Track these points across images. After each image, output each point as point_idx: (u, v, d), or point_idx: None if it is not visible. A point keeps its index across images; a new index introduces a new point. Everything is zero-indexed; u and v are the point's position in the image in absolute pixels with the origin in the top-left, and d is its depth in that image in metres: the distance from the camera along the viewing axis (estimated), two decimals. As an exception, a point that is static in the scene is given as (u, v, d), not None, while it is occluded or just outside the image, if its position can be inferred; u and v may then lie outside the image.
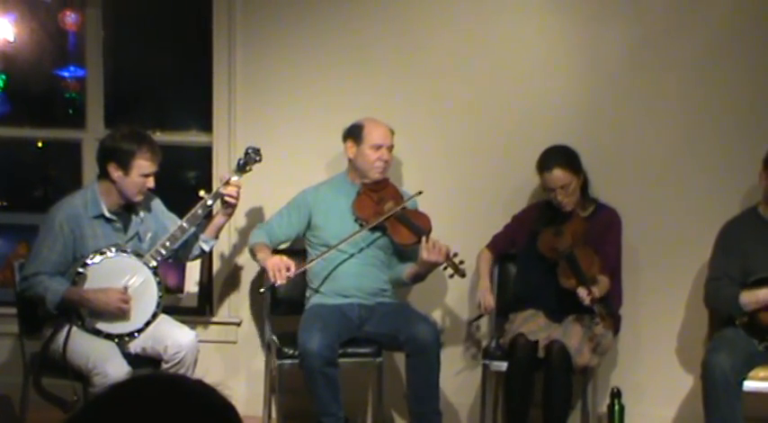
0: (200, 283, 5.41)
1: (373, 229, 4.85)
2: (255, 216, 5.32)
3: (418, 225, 4.82)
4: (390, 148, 4.88)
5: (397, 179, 5.16)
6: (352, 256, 4.85)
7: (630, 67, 5.15)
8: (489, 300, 4.94)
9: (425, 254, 4.68)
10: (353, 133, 4.88)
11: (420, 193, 4.85)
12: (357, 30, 5.25)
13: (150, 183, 4.51)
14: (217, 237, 4.85)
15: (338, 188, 4.94)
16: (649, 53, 5.13)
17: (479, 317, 5.04)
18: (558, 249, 4.74)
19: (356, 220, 4.87)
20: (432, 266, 4.75)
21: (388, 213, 4.82)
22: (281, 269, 4.64)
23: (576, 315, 4.79)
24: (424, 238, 4.72)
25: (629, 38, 5.14)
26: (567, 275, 4.70)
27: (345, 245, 4.81)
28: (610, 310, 4.67)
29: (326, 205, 4.90)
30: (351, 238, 4.79)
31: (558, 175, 4.78)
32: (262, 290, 4.87)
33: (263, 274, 4.92)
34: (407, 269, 4.90)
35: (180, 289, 5.39)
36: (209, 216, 4.72)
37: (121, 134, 4.53)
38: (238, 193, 4.69)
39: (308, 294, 4.96)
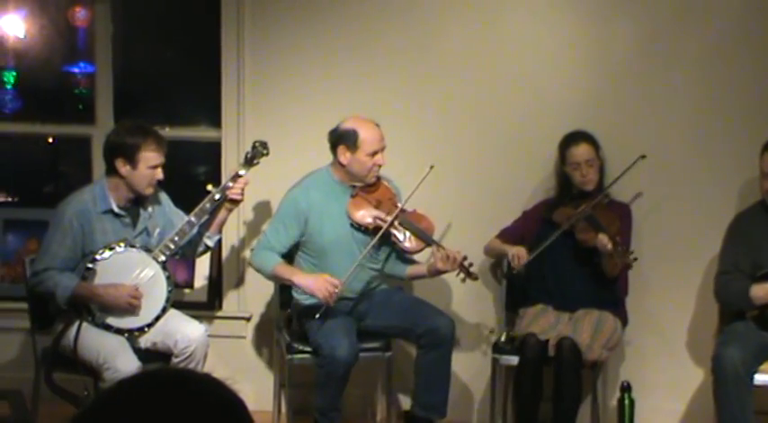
0: (210, 278, 5.42)
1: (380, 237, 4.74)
2: (264, 210, 5.33)
3: (424, 230, 4.76)
4: (384, 148, 4.71)
5: (402, 177, 5.07)
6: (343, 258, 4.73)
7: (639, 64, 5.14)
8: (522, 250, 4.83)
9: (440, 264, 4.64)
10: (346, 139, 4.66)
11: (432, 167, 4.71)
12: (365, 26, 5.25)
13: (159, 174, 4.51)
14: (220, 231, 4.84)
15: (328, 190, 4.76)
16: (658, 49, 5.13)
17: (511, 271, 4.92)
18: (576, 213, 4.77)
19: (353, 226, 4.74)
20: (442, 273, 4.74)
21: (393, 217, 4.71)
22: (331, 293, 4.55)
23: (586, 309, 4.80)
24: (435, 246, 4.69)
25: (638, 34, 5.14)
26: (587, 231, 4.73)
27: (341, 252, 4.71)
28: (627, 252, 4.70)
29: (319, 210, 4.74)
30: (370, 247, 4.70)
31: (585, 148, 4.87)
32: (317, 315, 4.61)
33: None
34: (410, 269, 4.87)
35: (189, 284, 5.40)
36: (214, 213, 4.71)
37: (125, 129, 4.54)
38: (243, 190, 4.68)
39: (295, 294, 4.84)
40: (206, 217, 4.67)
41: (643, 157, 4.92)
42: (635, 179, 5.09)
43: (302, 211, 4.73)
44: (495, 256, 5.11)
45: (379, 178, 4.80)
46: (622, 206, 4.99)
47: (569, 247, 4.84)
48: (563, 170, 4.95)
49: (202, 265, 5.39)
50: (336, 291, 4.57)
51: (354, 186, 4.77)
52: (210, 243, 4.79)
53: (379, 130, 4.71)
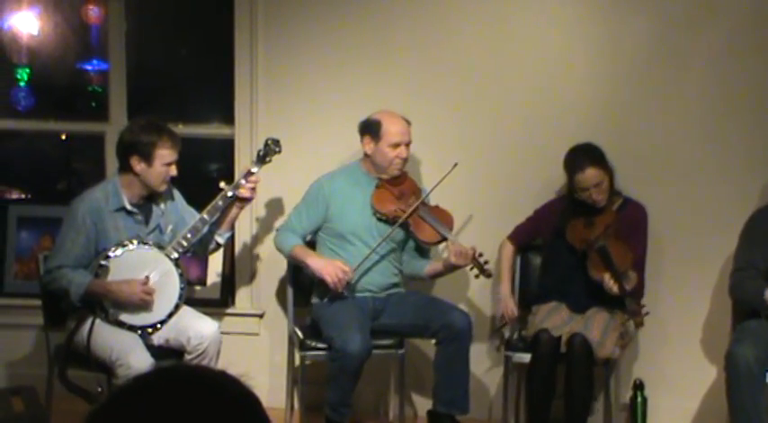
0: (223, 275, 5.43)
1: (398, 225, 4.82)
2: (276, 207, 5.34)
3: (443, 224, 4.81)
4: (408, 143, 4.83)
5: (417, 174, 5.16)
6: (371, 253, 4.81)
7: (652, 62, 5.13)
8: (512, 308, 4.94)
9: (453, 258, 4.68)
10: (371, 129, 4.81)
11: (456, 164, 4.79)
12: (379, 23, 5.25)
13: (173, 171, 4.53)
14: (231, 229, 4.86)
15: (354, 179, 4.89)
16: (671, 48, 5.11)
17: (503, 326, 5.04)
18: (590, 240, 4.74)
19: (375, 215, 4.84)
20: (457, 269, 4.76)
21: (414, 208, 4.79)
22: (341, 279, 4.65)
23: (598, 307, 4.79)
24: (450, 240, 4.73)
25: (651, 33, 5.12)
26: (599, 268, 4.70)
27: (360, 241, 4.79)
28: (639, 304, 4.67)
29: (343, 197, 4.86)
30: (387, 237, 4.76)
31: (592, 173, 4.75)
32: (325, 299, 4.76)
33: (313, 280, 4.88)
34: (428, 266, 4.90)
35: (202, 281, 5.41)
36: (226, 210, 4.72)
37: (139, 126, 4.55)
38: (254, 188, 4.70)
39: (326, 299, 4.88)
40: (218, 214, 4.68)
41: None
42: (648, 177, 5.08)
43: (325, 196, 4.85)
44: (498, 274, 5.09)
45: (405, 173, 4.88)
46: (638, 208, 4.96)
47: (581, 259, 4.82)
48: (572, 191, 4.89)
49: (215, 262, 5.40)
50: (346, 278, 4.65)
51: (381, 178, 4.84)
52: (221, 240, 4.80)
53: (404, 123, 4.82)
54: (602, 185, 4.79)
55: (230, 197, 4.68)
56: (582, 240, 4.78)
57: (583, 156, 4.80)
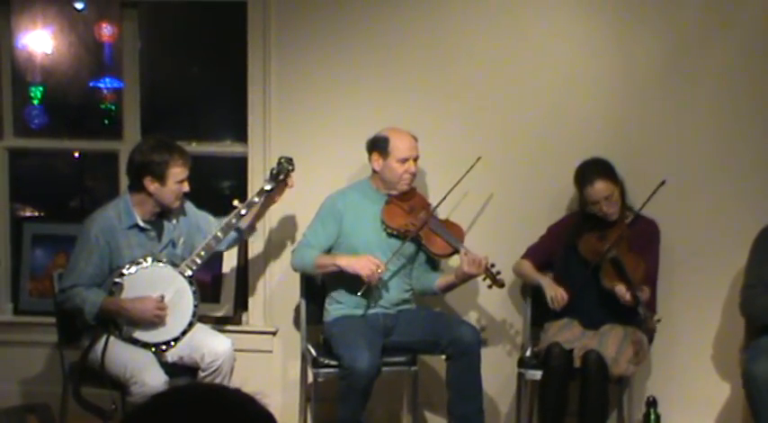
0: (236, 293, 5.44)
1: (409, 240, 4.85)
2: (289, 224, 5.35)
3: (454, 236, 4.83)
4: (416, 158, 4.87)
5: (426, 188, 5.17)
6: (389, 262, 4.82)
7: (663, 76, 5.14)
8: (561, 291, 4.82)
9: (465, 267, 4.69)
10: (379, 146, 4.84)
11: (479, 158, 4.86)
12: (390, 42, 5.27)
13: (185, 187, 4.56)
14: (254, 225, 4.95)
15: (365, 196, 4.92)
16: (682, 62, 5.12)
17: (553, 310, 4.89)
18: (602, 252, 4.74)
19: (386, 230, 4.85)
20: (469, 278, 4.77)
21: (424, 222, 4.82)
22: (373, 271, 4.67)
23: (611, 324, 4.79)
24: (462, 251, 4.74)
25: (662, 47, 5.13)
26: (611, 277, 4.71)
27: (372, 253, 4.79)
28: (652, 314, 4.66)
29: (355, 212, 4.88)
30: (398, 251, 4.78)
31: (601, 186, 4.77)
32: (359, 293, 4.75)
33: (322, 281, 4.94)
34: (439, 279, 4.91)
35: (216, 298, 5.42)
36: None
37: (149, 146, 4.57)
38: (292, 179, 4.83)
39: (327, 304, 4.93)
40: (232, 232, 4.71)
41: (663, 182, 4.83)
42: (659, 192, 5.08)
43: (339, 210, 4.87)
44: (528, 284, 5.08)
45: (413, 188, 4.91)
46: (649, 223, 4.96)
47: (595, 273, 4.82)
48: (583, 204, 4.91)
49: (229, 280, 5.42)
50: (380, 271, 4.67)
51: (390, 194, 4.86)
52: (243, 226, 4.84)
53: (411, 138, 4.86)
54: (613, 198, 4.80)
55: (243, 215, 4.72)
56: (594, 252, 4.78)
57: (591, 169, 4.83)
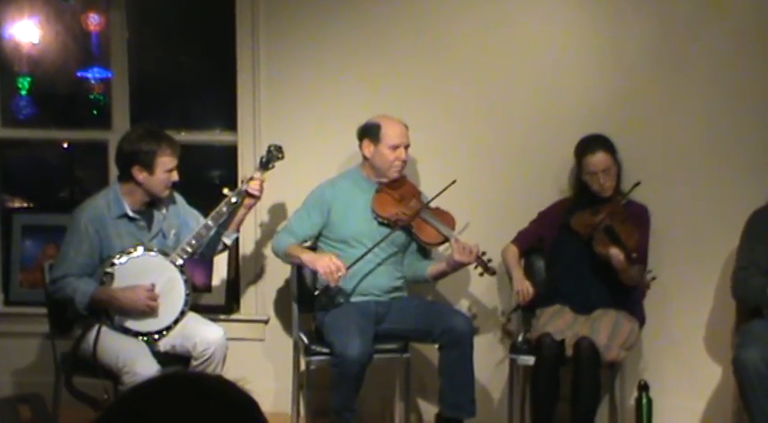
0: (227, 281, 5.44)
1: (400, 228, 4.85)
2: (279, 213, 5.35)
3: (445, 224, 4.83)
4: (407, 146, 4.87)
5: (417, 177, 5.17)
6: (367, 254, 4.81)
7: (654, 64, 5.14)
8: (527, 286, 4.87)
9: (457, 255, 4.70)
10: (370, 133, 4.85)
11: (454, 181, 4.82)
12: (380, 29, 5.27)
13: (174, 176, 4.55)
14: (238, 230, 4.89)
15: (355, 184, 4.92)
16: (674, 51, 5.12)
17: (517, 308, 4.97)
18: (595, 223, 4.76)
19: (376, 219, 4.85)
20: (461, 267, 4.78)
21: (415, 211, 4.82)
22: (333, 272, 4.64)
23: (604, 308, 4.80)
24: (453, 239, 4.74)
25: (653, 34, 5.13)
26: (605, 243, 4.72)
27: (362, 245, 4.79)
28: (644, 270, 4.69)
29: (344, 201, 4.88)
30: (387, 238, 4.78)
31: (602, 157, 4.83)
32: (316, 292, 4.79)
33: (313, 274, 4.90)
34: (431, 267, 4.91)
35: (207, 287, 5.42)
36: (233, 213, 4.75)
37: (137, 135, 4.56)
38: (261, 186, 4.73)
39: (318, 293, 4.90)
40: (222, 220, 4.70)
41: (638, 183, 4.87)
42: (650, 178, 5.08)
43: (326, 201, 4.87)
44: (507, 272, 5.09)
45: (404, 176, 4.90)
46: (640, 207, 4.98)
47: (587, 251, 4.83)
48: (580, 176, 4.94)
49: (220, 269, 5.41)
50: (339, 272, 4.63)
51: (381, 182, 4.85)
52: (228, 241, 4.83)
53: (402, 126, 4.86)
54: (611, 172, 4.85)
55: (234, 203, 4.70)
56: (587, 225, 4.80)
57: (595, 140, 4.90)
